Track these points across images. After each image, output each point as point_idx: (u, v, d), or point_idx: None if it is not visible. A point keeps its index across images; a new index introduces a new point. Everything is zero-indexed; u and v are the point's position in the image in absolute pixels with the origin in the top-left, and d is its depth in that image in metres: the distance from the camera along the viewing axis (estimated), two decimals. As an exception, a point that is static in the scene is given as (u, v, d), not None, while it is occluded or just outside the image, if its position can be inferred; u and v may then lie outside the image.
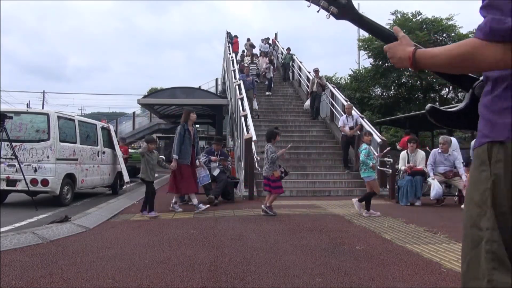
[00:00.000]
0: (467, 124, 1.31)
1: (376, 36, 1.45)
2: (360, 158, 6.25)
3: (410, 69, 1.33)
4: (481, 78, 1.25)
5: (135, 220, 5.68)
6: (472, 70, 1.14)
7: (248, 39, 20.51)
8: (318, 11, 1.44)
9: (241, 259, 3.53)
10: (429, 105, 1.36)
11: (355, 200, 6.45)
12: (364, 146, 6.29)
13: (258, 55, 19.09)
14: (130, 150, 13.62)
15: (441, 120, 1.35)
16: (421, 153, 7.87)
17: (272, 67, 17.45)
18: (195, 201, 6.49)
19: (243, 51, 20.37)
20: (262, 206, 6.15)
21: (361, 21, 1.44)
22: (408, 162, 7.81)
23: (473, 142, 1.20)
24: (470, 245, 1.10)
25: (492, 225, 1.04)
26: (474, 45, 1.03)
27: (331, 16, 1.43)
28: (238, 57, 19.29)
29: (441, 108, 1.34)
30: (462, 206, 6.52)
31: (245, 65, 16.60)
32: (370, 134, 6.68)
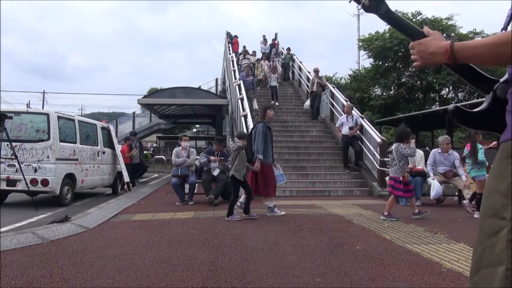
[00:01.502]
0: (489, 125, 1.34)
1: (404, 33, 1.45)
2: (479, 158, 6.12)
3: (442, 65, 1.35)
4: (501, 79, 1.29)
5: (135, 220, 5.67)
6: None
7: (244, 47, 19.71)
8: (350, 1, 1.45)
9: (241, 259, 3.53)
10: (452, 105, 1.38)
11: (466, 201, 6.27)
12: (479, 145, 6.22)
13: (260, 59, 18.22)
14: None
15: (464, 120, 1.37)
16: (419, 153, 7.87)
17: (277, 75, 15.64)
18: (271, 203, 6.21)
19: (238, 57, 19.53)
20: (413, 216, 5.81)
21: (390, 16, 1.44)
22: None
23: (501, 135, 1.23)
24: (487, 234, 1.12)
25: None
26: None
27: (361, 9, 1.44)
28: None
29: (465, 108, 1.36)
30: (463, 206, 6.44)
31: (240, 63, 16.54)
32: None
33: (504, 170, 1.12)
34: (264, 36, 21.51)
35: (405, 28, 1.44)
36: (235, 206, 5.97)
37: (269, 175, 6.19)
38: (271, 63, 16.80)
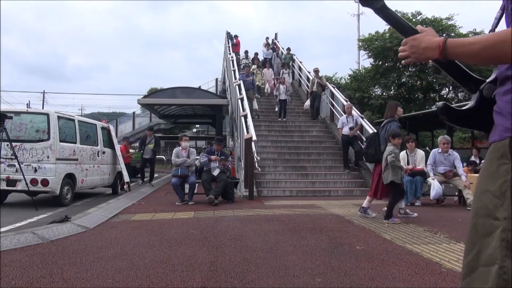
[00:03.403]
0: (476, 124, 1.35)
1: (398, 29, 1.46)
2: None
3: (431, 62, 1.36)
4: (488, 80, 1.31)
5: (135, 220, 5.67)
6: (508, 60, 1.13)
7: (246, 51, 19.28)
8: None
9: (241, 259, 3.53)
10: (442, 102, 1.40)
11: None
12: None
13: (263, 66, 16.93)
14: (130, 150, 13.66)
15: (452, 119, 1.39)
16: (420, 153, 7.86)
17: (285, 86, 13.74)
18: (402, 204, 5.93)
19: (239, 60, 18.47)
20: None
21: (385, 12, 1.44)
22: (408, 162, 7.81)
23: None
24: (481, 234, 1.13)
25: (509, 215, 1.08)
26: None
27: (358, 2, 1.45)
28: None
29: (453, 106, 1.38)
30: (467, 206, 6.28)
31: (241, 61, 16.28)
32: None
33: (495, 171, 1.14)
34: (267, 38, 21.07)
35: (400, 24, 1.44)
36: (399, 214, 5.89)
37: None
38: (275, 80, 14.68)
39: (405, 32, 1.38)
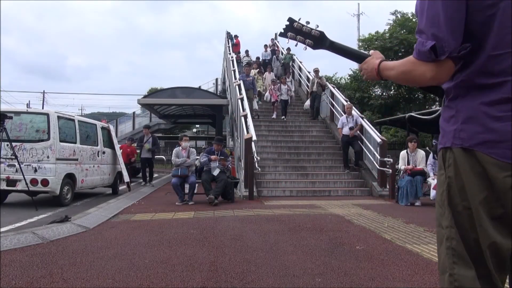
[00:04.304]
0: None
1: (351, 59, 1.58)
2: None
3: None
4: None
5: (135, 220, 5.67)
6: (416, 85, 1.23)
7: (247, 51, 19.06)
8: (296, 45, 1.61)
9: (241, 259, 3.53)
10: (408, 114, 1.45)
11: None
12: None
13: (263, 71, 16.25)
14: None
15: (420, 127, 1.45)
16: (421, 153, 7.87)
17: (287, 87, 13.99)
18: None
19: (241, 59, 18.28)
20: None
21: (334, 47, 1.57)
22: (408, 162, 7.81)
23: None
24: (438, 244, 1.20)
25: (450, 223, 1.14)
26: (412, 63, 1.16)
27: (307, 47, 1.59)
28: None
29: (419, 116, 1.43)
30: None
31: (242, 59, 16.21)
32: None
33: (438, 182, 1.21)
34: (272, 39, 20.87)
35: (351, 54, 1.56)
36: None
37: None
38: (276, 85, 14.07)
39: (359, 59, 1.48)
